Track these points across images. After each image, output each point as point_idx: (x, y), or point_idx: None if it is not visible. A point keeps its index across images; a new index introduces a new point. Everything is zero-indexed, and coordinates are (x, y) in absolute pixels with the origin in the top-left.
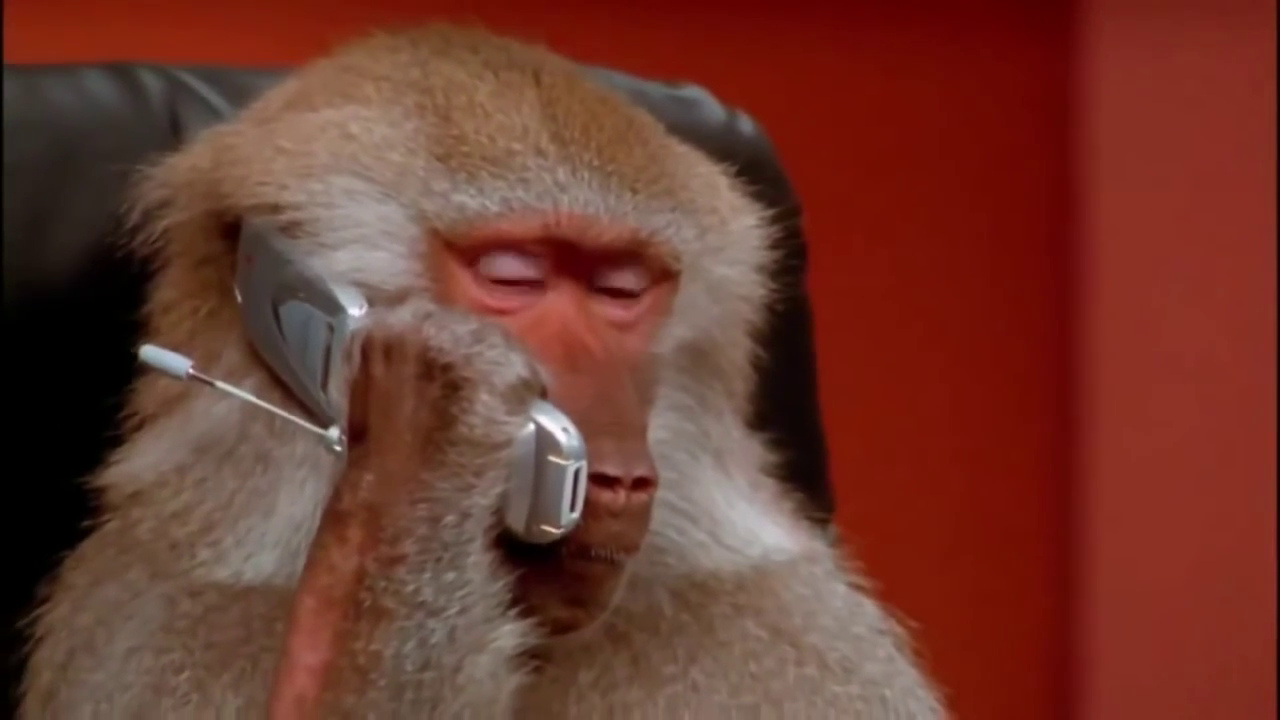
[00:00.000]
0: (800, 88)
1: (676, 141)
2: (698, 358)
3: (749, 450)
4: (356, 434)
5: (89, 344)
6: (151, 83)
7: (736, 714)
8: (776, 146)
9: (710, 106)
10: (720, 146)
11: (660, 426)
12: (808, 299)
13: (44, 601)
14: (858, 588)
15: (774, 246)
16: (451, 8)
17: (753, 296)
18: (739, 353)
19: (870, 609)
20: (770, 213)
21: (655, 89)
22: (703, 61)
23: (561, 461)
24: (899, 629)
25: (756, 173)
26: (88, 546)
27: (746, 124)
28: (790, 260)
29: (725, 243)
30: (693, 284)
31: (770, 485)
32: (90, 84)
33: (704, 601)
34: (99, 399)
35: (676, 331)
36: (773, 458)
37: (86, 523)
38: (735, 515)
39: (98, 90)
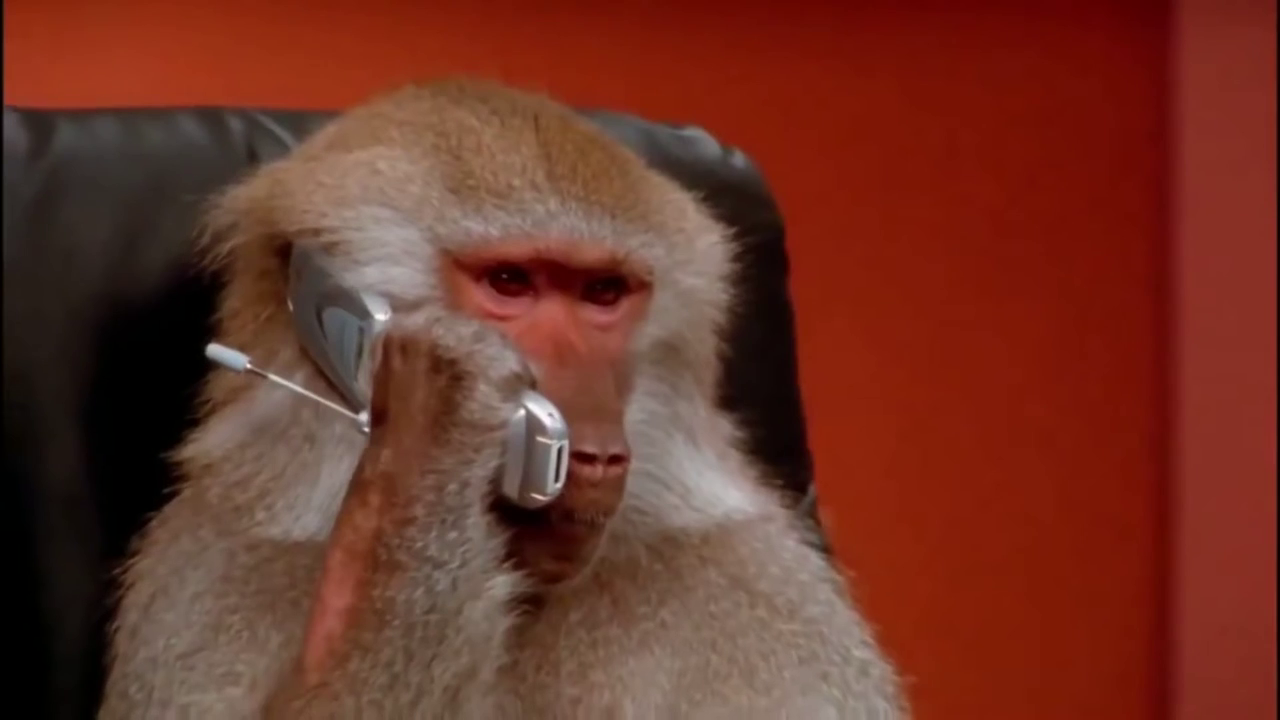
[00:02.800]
0: (805, 118)
1: (654, 172)
2: (670, 353)
3: (717, 427)
4: (378, 417)
5: (173, 344)
6: (235, 124)
7: (696, 646)
8: (769, 175)
9: (709, 144)
10: (717, 177)
11: (639, 409)
12: (789, 302)
13: (134, 554)
14: (807, 543)
15: (759, 259)
16: (481, 61)
17: (717, 301)
18: (706, 348)
19: (815, 560)
20: (731, 231)
21: (662, 130)
22: (708, 104)
23: (547, 441)
24: (838, 577)
25: (747, 198)
26: (169, 509)
27: (739, 159)
28: (775, 270)
29: (691, 257)
30: (664, 292)
31: (736, 457)
32: (182, 125)
33: (674, 554)
34: (180, 389)
35: (651, 332)
36: (741, 434)
37: (169, 489)
38: (703, 482)
39: (188, 130)
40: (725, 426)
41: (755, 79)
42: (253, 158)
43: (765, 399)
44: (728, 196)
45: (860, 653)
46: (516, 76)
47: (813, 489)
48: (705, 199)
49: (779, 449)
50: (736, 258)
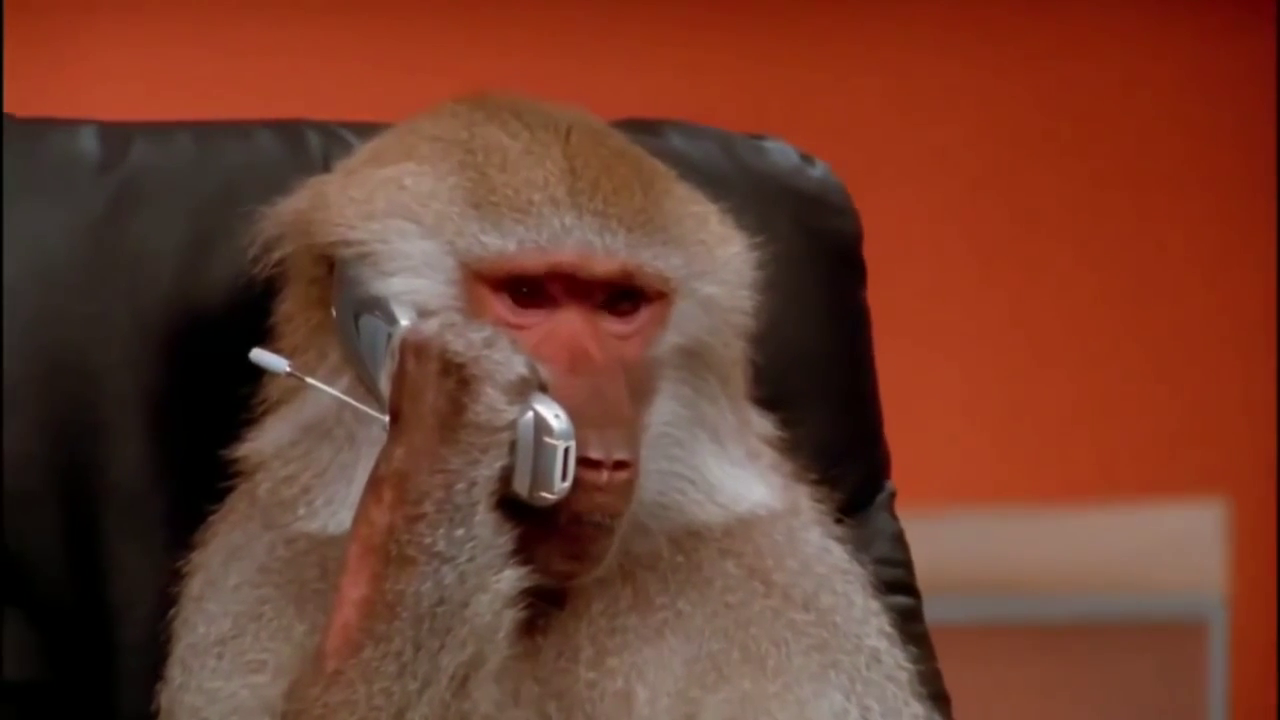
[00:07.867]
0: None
1: (682, 185)
2: (692, 358)
3: (749, 425)
4: (394, 417)
5: (235, 347)
6: (313, 138)
7: (710, 635)
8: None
9: (788, 153)
10: (794, 185)
11: (663, 412)
12: (865, 305)
13: (195, 547)
14: (833, 536)
15: (836, 265)
16: (563, 74)
17: (741, 307)
18: (731, 351)
19: (837, 553)
20: (753, 240)
21: (742, 140)
22: (794, 115)
23: (553, 441)
24: (861, 570)
25: (825, 206)
26: (227, 504)
27: (819, 168)
28: (852, 276)
29: (711, 267)
30: (684, 300)
31: (769, 454)
32: (260, 139)
33: (695, 546)
34: (240, 389)
35: (672, 339)
36: (783, 433)
37: (229, 485)
38: (726, 479)
39: (265, 144)
40: (761, 425)
41: (839, 89)
42: (329, 171)
43: (841, 399)
44: (806, 205)
45: (873, 641)
46: (595, 89)
47: (889, 484)
48: (784, 207)
49: (854, 447)
50: (813, 264)
